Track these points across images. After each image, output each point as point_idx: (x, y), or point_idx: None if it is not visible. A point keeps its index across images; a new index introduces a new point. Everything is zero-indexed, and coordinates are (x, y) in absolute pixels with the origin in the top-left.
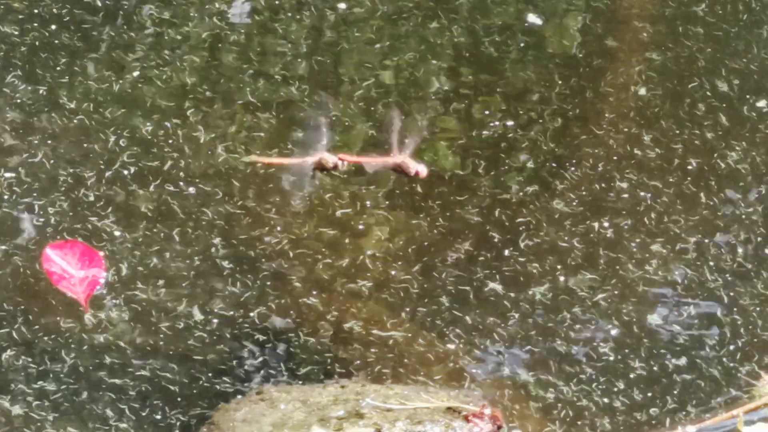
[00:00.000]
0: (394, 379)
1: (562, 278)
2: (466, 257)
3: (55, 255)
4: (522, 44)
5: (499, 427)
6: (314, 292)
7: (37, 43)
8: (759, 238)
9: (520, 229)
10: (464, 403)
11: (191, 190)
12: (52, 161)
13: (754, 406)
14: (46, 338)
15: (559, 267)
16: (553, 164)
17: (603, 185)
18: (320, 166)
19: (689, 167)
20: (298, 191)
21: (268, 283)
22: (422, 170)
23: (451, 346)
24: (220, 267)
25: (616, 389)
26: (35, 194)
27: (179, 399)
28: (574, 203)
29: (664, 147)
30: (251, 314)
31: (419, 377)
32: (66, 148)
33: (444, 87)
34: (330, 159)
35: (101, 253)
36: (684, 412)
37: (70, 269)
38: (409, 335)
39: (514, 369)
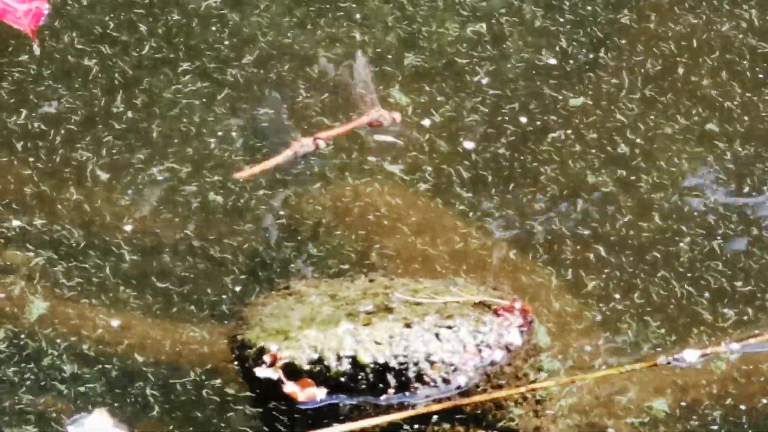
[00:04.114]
0: (423, 272)
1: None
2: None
3: None
4: None
5: (530, 322)
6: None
7: None
8: None
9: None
10: (494, 297)
11: None
12: None
13: None
14: None
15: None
16: None
17: None
18: (300, 153)
19: None
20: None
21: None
22: (397, 116)
23: (483, 238)
24: None
25: (664, 292)
26: None
27: (206, 292)
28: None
29: None
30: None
31: (449, 269)
32: None
33: None
34: (306, 143)
35: None
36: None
37: (11, 2)
38: (441, 225)
39: (549, 259)
